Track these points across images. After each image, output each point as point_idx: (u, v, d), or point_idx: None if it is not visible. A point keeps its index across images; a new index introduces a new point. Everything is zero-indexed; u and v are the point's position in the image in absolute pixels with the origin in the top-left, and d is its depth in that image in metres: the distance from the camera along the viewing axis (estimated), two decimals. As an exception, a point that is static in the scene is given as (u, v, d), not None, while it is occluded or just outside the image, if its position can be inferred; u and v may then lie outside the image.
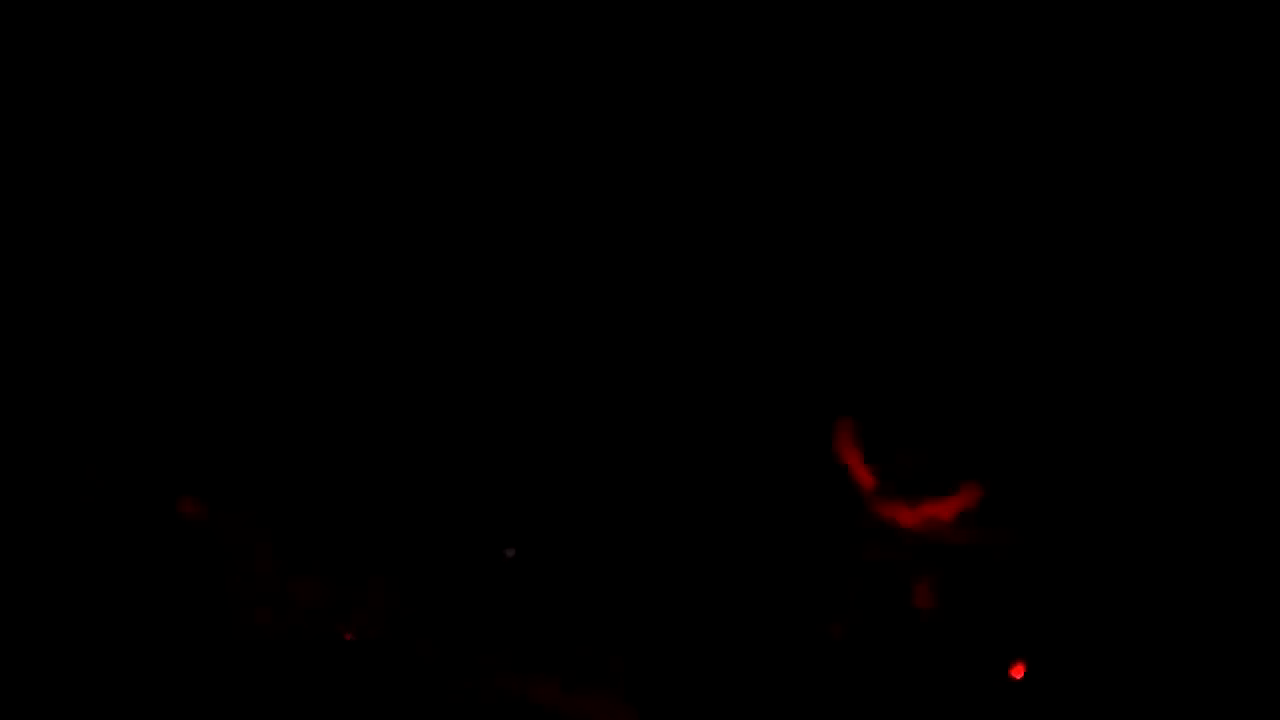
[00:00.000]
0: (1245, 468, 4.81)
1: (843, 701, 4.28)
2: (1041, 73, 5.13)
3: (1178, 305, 5.01)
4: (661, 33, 5.25)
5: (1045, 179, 5.16)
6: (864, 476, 4.48)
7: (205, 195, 4.95)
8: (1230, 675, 4.61)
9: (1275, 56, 4.77)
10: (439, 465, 4.49)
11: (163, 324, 4.87)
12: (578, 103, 4.55)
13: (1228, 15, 4.79)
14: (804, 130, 5.29)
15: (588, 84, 4.64)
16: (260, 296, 4.78)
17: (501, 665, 4.29)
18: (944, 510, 4.42)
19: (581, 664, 4.33)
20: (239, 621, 4.10)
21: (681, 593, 4.72)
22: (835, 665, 4.30)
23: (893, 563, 4.43)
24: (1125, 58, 4.98)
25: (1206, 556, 4.82)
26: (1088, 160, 5.15)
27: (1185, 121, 5.01)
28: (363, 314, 4.61)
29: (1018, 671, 4.35)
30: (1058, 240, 5.15)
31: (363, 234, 4.87)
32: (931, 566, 4.44)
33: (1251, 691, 4.52)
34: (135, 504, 4.41)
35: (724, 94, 5.23)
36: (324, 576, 4.31)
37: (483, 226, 4.70)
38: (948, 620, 4.45)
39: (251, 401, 4.84)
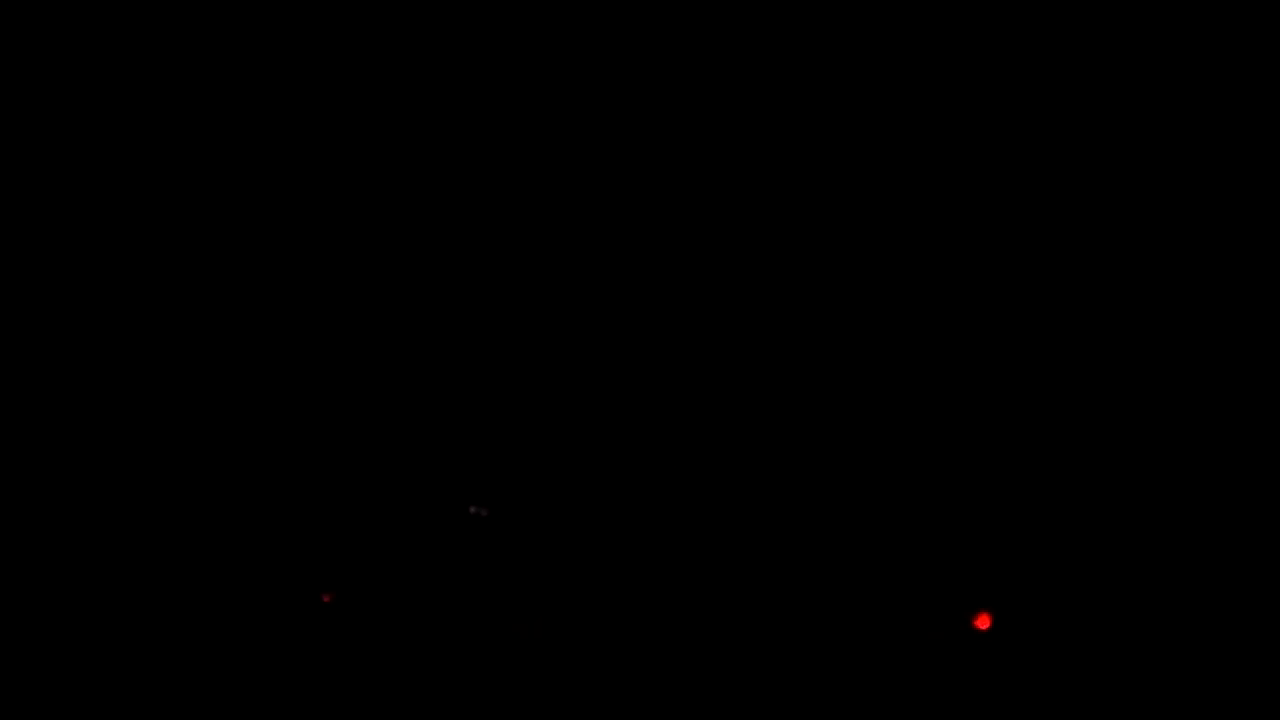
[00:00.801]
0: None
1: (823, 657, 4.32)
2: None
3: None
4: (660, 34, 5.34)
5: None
6: None
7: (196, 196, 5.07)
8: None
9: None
10: (411, 428, 4.55)
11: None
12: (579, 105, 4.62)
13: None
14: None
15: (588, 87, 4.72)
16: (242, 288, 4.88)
17: (480, 624, 4.33)
18: None
19: (559, 622, 4.38)
20: (221, 588, 4.15)
21: (661, 563, 4.76)
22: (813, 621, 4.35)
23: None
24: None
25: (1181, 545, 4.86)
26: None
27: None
28: (339, 295, 4.68)
29: (983, 622, 4.39)
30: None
31: (345, 228, 4.96)
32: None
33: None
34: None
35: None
36: (301, 541, 4.38)
37: (468, 219, 4.77)
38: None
39: (231, 365, 4.91)
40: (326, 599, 4.26)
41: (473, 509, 4.43)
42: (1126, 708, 4.60)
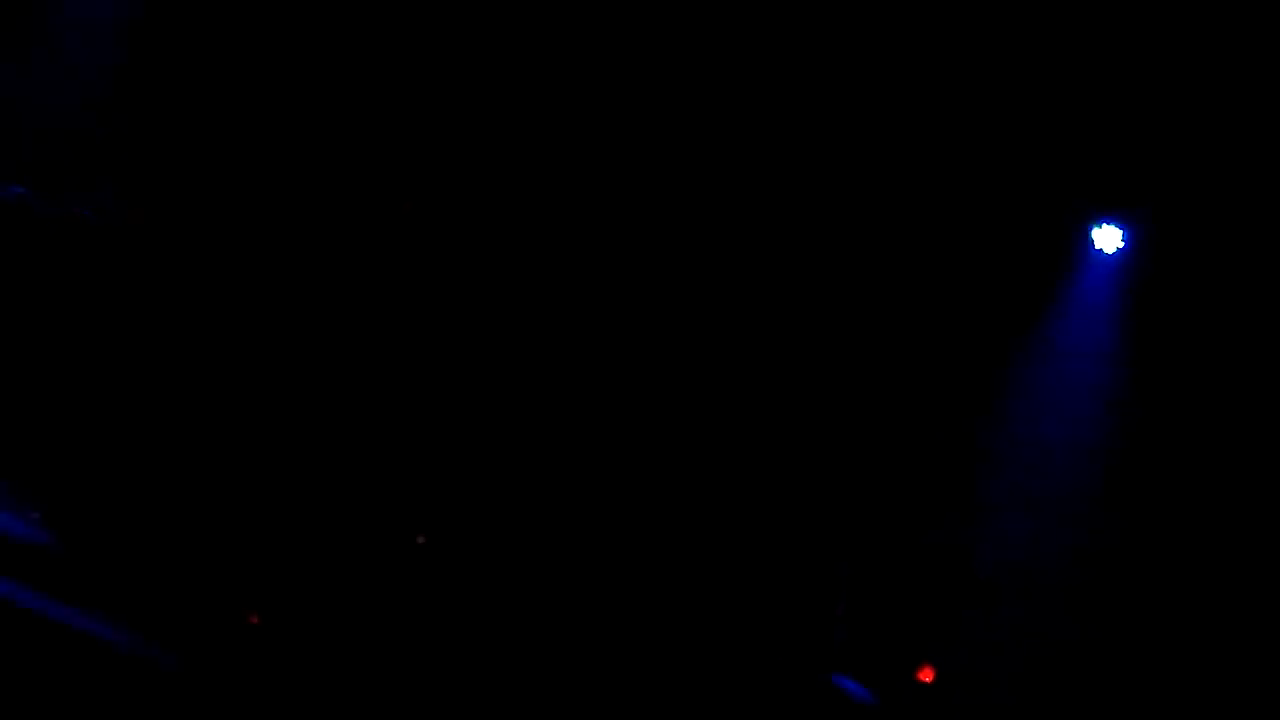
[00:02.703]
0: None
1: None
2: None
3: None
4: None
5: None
6: None
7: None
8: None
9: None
10: (347, 454, 4.49)
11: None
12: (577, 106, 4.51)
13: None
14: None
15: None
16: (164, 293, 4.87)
17: (416, 656, 4.28)
18: None
19: (500, 656, 4.33)
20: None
21: (600, 590, 4.68)
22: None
23: None
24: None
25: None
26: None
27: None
28: (270, 302, 4.63)
29: (926, 675, 4.30)
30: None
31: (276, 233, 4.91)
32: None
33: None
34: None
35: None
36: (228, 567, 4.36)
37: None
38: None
39: (166, 386, 4.90)
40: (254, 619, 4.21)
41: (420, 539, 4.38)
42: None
